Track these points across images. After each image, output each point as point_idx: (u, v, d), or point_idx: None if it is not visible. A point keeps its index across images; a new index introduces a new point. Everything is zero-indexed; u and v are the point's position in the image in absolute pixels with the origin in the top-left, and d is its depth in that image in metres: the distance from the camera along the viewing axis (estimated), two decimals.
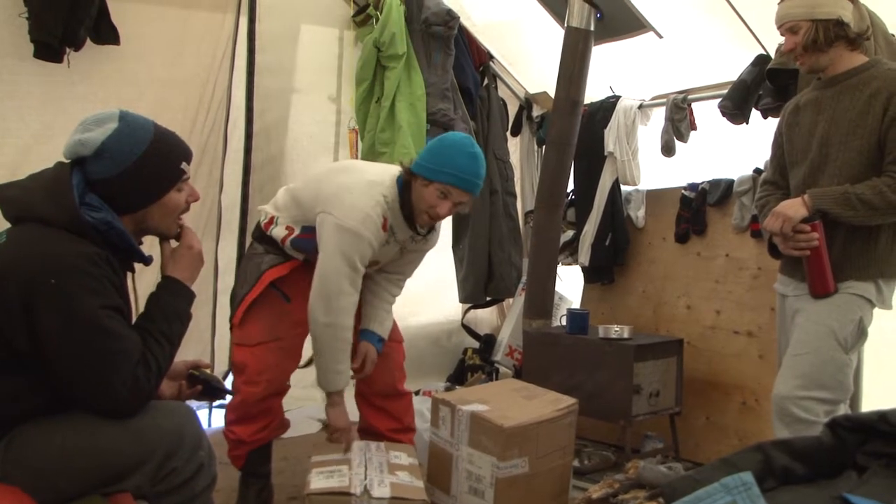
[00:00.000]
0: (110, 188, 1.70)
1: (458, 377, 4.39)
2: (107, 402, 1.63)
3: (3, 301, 1.56)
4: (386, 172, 2.45)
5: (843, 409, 2.22)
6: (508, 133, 4.61)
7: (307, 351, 2.54)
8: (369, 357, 2.61)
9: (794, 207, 2.20)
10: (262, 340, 2.51)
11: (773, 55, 3.15)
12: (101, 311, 1.61)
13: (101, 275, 1.62)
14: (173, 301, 1.84)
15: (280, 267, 2.55)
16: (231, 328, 2.66)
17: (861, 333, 2.22)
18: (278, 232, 2.55)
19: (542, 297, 3.72)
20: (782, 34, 2.31)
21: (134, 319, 1.78)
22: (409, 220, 2.44)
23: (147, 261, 1.82)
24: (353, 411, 2.90)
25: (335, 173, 2.50)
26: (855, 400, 2.80)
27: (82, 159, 1.69)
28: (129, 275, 1.82)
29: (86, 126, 1.71)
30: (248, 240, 3.72)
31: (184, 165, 1.80)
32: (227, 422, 2.60)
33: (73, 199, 1.63)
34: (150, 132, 1.74)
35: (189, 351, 3.35)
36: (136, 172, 1.70)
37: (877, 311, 2.26)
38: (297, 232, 2.50)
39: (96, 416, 1.65)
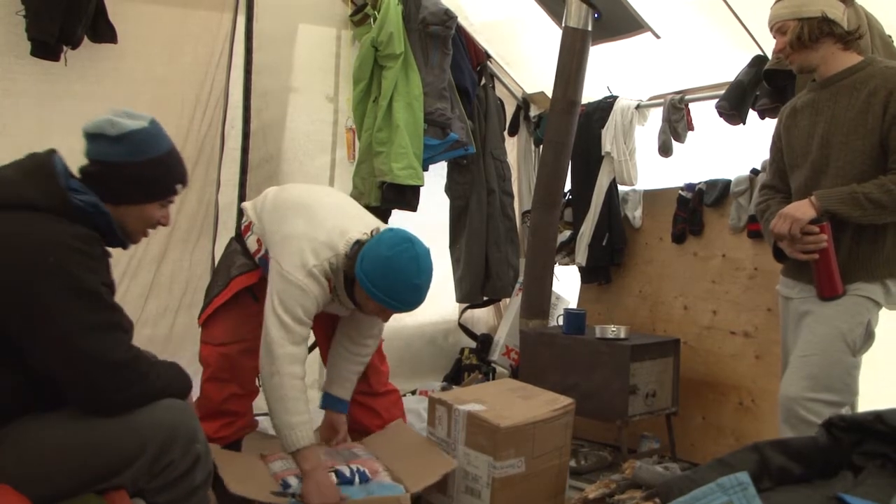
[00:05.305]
0: (109, 172, 1.78)
1: (455, 377, 4.38)
2: (100, 372, 1.65)
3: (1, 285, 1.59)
4: (343, 234, 2.34)
5: (846, 412, 2.22)
6: (506, 133, 4.61)
7: None
8: (342, 428, 2.66)
9: (802, 209, 2.18)
10: (225, 341, 2.56)
11: (770, 56, 3.15)
12: (102, 288, 1.68)
13: (95, 254, 1.69)
14: (180, 374, 1.90)
15: (249, 275, 2.59)
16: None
17: (869, 336, 2.21)
18: (251, 243, 2.59)
19: (538, 296, 3.73)
20: (773, 36, 2.32)
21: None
22: (351, 298, 2.40)
23: (125, 245, 1.88)
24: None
25: (295, 213, 2.42)
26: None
27: (97, 137, 1.78)
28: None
29: (118, 113, 1.81)
30: None
31: (178, 187, 1.90)
32: None
33: (60, 183, 1.70)
34: (170, 145, 1.88)
35: (186, 350, 3.36)
36: (141, 169, 1.80)
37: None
38: (262, 252, 2.52)
39: (88, 403, 1.67)
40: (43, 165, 1.72)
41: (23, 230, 1.63)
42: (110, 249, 1.82)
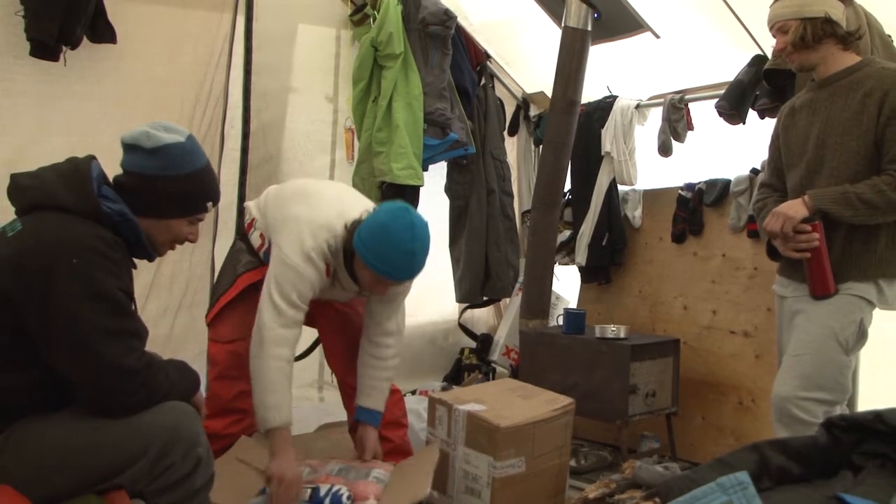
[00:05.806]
0: (142, 184, 1.79)
1: (455, 377, 4.38)
2: (110, 376, 1.66)
3: (23, 282, 1.61)
4: (341, 215, 2.35)
5: (839, 411, 2.22)
6: (506, 133, 4.61)
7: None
8: (369, 443, 2.52)
9: (795, 207, 2.20)
10: (233, 338, 2.55)
11: (769, 56, 3.15)
12: (119, 293, 1.69)
13: (117, 259, 1.71)
14: (187, 373, 1.95)
15: (255, 272, 2.58)
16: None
17: (861, 335, 2.22)
18: (255, 239, 2.59)
19: (538, 296, 3.73)
20: (774, 35, 2.33)
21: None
22: (353, 276, 2.40)
23: (151, 257, 1.89)
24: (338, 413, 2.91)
25: (296, 199, 2.44)
26: (851, 400, 2.80)
27: (133, 148, 1.79)
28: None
29: (155, 126, 1.82)
30: None
31: (209, 205, 1.91)
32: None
33: (93, 189, 1.72)
34: (204, 162, 1.89)
35: (186, 350, 3.36)
36: (174, 184, 1.81)
37: (874, 312, 2.26)
38: (266, 245, 2.52)
39: (94, 403, 1.68)
40: (78, 170, 1.75)
41: (50, 230, 1.66)
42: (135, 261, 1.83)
